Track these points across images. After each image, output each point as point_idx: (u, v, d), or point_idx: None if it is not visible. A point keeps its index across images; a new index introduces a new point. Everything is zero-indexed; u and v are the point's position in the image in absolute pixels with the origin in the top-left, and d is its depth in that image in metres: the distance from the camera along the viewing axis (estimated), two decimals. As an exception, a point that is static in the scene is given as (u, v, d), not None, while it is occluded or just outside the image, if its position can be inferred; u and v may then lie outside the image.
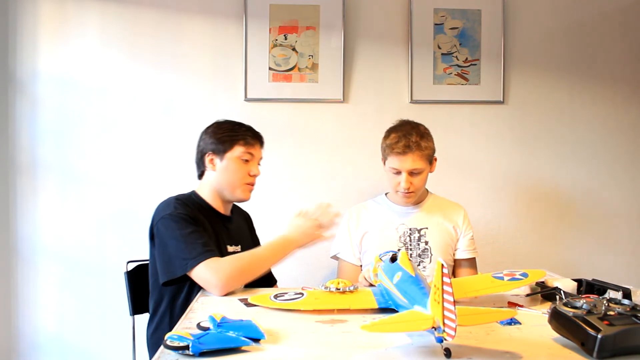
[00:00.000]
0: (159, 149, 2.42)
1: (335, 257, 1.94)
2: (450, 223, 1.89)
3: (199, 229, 1.52)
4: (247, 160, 1.66)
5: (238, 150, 1.65)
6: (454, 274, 1.92)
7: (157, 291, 1.61)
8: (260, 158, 1.73)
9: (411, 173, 1.78)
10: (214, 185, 1.68)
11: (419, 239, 1.85)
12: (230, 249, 1.67)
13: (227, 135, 1.66)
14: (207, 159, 1.67)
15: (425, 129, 1.85)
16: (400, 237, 1.85)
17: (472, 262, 1.92)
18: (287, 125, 2.44)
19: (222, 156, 1.65)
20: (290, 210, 2.41)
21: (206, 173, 1.70)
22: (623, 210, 2.55)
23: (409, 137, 1.77)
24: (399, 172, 1.79)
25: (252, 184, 1.70)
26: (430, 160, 1.84)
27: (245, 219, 1.89)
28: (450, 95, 2.47)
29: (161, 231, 1.53)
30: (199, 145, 1.72)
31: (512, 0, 2.49)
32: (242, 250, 1.71)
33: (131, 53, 2.41)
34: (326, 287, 1.33)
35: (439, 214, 1.90)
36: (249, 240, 1.84)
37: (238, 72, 2.42)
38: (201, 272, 1.42)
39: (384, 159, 1.85)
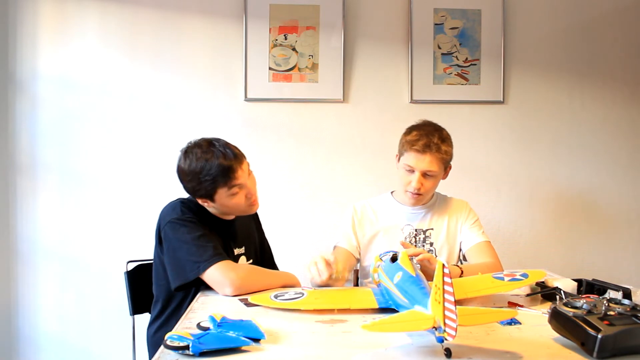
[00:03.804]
0: (159, 149, 2.42)
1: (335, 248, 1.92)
2: (455, 222, 1.87)
3: (207, 232, 1.52)
4: (237, 192, 1.56)
5: (223, 192, 1.54)
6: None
7: (164, 292, 1.60)
8: (248, 170, 1.60)
9: (425, 174, 1.76)
10: (216, 211, 1.63)
11: (424, 240, 1.84)
12: (235, 251, 1.67)
13: (204, 185, 1.52)
14: (199, 200, 1.59)
15: (448, 134, 1.81)
16: (405, 237, 1.84)
17: (484, 247, 1.81)
18: (287, 125, 2.44)
19: (212, 198, 1.56)
20: (289, 210, 2.43)
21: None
22: (623, 210, 2.55)
23: (430, 137, 1.74)
24: (412, 171, 1.76)
25: (254, 200, 1.62)
26: (446, 166, 1.81)
27: (252, 216, 1.86)
28: (450, 95, 2.47)
29: (169, 236, 1.51)
30: (182, 185, 1.60)
31: (512, 0, 2.49)
32: (247, 251, 1.71)
33: (131, 53, 2.41)
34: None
35: (444, 214, 1.88)
36: (255, 239, 1.83)
37: (238, 72, 2.42)
38: (215, 274, 1.42)
39: (400, 155, 1.82)
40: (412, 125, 1.84)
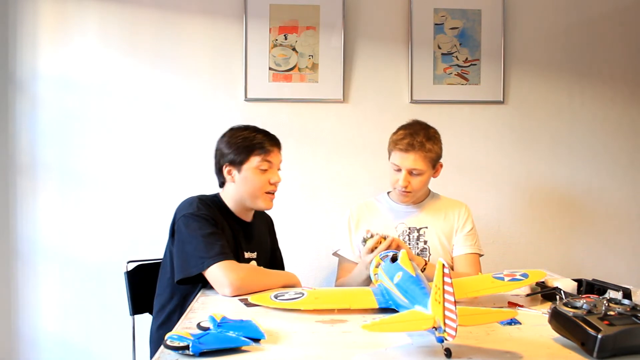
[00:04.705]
0: (159, 149, 2.42)
1: (336, 254, 1.94)
2: (450, 222, 1.88)
3: (219, 231, 1.54)
4: (266, 169, 1.63)
5: (255, 161, 1.62)
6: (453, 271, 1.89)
7: (169, 287, 1.61)
8: (280, 163, 1.70)
9: (411, 172, 1.78)
10: (234, 195, 1.66)
11: (418, 239, 1.84)
12: (246, 255, 1.68)
13: (242, 146, 1.62)
14: (225, 170, 1.65)
15: (435, 132, 1.84)
16: (399, 236, 1.85)
17: (470, 259, 1.85)
18: (287, 125, 2.44)
19: (240, 168, 1.63)
20: (289, 210, 2.43)
21: (227, 183, 1.68)
22: (623, 210, 2.55)
23: (415, 136, 1.77)
24: (399, 169, 1.80)
25: (273, 192, 1.67)
26: (434, 164, 1.83)
27: (267, 222, 1.89)
28: (450, 95, 2.47)
29: (181, 229, 1.53)
30: (215, 155, 1.69)
31: (512, 0, 2.49)
32: (258, 256, 1.72)
33: (131, 53, 2.41)
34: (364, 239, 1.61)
35: (439, 213, 1.89)
36: (267, 246, 1.85)
37: (238, 72, 2.42)
38: (216, 272, 1.43)
39: (389, 154, 1.86)
40: (401, 125, 1.87)
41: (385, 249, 1.54)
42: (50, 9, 2.39)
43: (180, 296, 1.59)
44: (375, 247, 1.59)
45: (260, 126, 2.39)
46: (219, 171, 1.68)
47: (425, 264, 1.67)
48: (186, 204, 1.60)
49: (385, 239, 1.60)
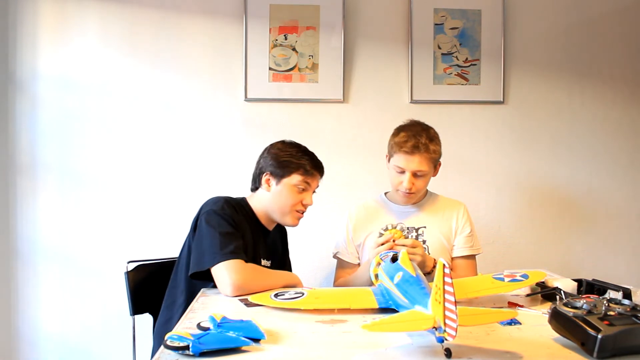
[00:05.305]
0: (159, 149, 2.42)
1: (335, 257, 1.94)
2: (448, 222, 1.89)
3: (238, 233, 1.56)
4: (303, 189, 1.67)
5: (296, 179, 1.66)
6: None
7: (184, 281, 1.62)
8: (317, 187, 1.74)
9: (415, 174, 1.78)
10: (265, 204, 1.70)
11: (417, 238, 1.84)
12: (263, 262, 1.70)
13: (288, 161, 1.67)
14: (263, 178, 1.68)
15: (435, 133, 1.84)
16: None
17: (468, 261, 1.87)
18: (287, 125, 2.44)
19: (279, 180, 1.66)
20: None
21: (260, 190, 1.71)
22: (623, 210, 2.55)
23: (418, 137, 1.76)
24: (403, 172, 1.79)
25: (302, 212, 1.72)
26: (435, 164, 1.83)
27: (281, 233, 1.91)
28: (450, 95, 2.47)
29: (202, 224, 1.56)
30: (259, 162, 1.73)
31: (512, 0, 2.49)
32: (272, 265, 1.75)
33: (131, 53, 2.41)
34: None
35: (437, 213, 1.89)
36: (280, 255, 1.87)
37: (238, 72, 2.42)
38: (221, 270, 1.45)
39: (390, 156, 1.85)
40: (400, 126, 1.86)
41: (387, 249, 1.57)
42: (50, 9, 2.39)
43: (189, 293, 1.59)
44: (383, 244, 1.64)
45: (260, 126, 2.42)
46: (257, 176, 1.72)
47: (435, 262, 1.68)
48: (212, 201, 1.62)
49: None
